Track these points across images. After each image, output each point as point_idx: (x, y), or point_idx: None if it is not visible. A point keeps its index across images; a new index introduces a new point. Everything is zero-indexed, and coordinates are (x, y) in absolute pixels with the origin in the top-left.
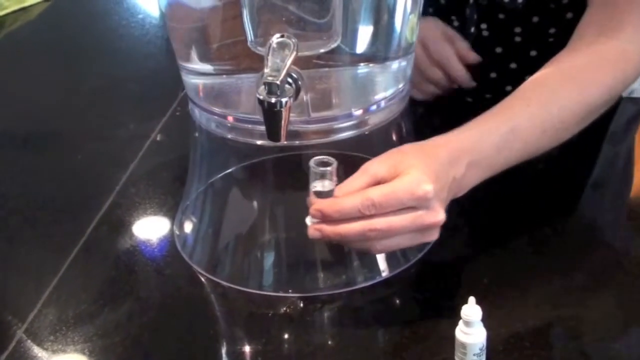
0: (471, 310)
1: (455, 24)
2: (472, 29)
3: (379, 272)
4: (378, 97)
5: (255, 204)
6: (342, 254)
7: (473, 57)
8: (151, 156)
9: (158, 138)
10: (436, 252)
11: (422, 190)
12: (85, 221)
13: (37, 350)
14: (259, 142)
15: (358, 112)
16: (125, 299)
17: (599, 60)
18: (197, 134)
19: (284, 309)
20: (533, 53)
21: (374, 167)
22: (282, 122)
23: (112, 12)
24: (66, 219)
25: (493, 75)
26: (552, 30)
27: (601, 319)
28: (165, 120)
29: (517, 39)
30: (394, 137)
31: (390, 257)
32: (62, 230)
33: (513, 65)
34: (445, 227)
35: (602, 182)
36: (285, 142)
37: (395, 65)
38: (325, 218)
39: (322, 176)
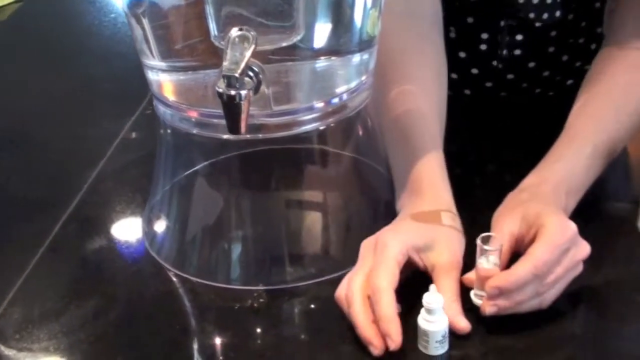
0: (432, 298)
1: (483, 47)
2: (505, 52)
3: (346, 263)
4: (340, 90)
5: (222, 199)
6: (309, 247)
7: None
8: (120, 154)
9: (127, 136)
10: None
11: (571, 231)
12: (52, 219)
13: (2, 349)
14: (224, 137)
15: (320, 105)
16: (92, 296)
17: None
18: (162, 131)
19: (252, 302)
20: (565, 58)
21: (507, 227)
22: (242, 114)
23: (84, 12)
24: (34, 217)
25: (524, 84)
26: (581, 40)
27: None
28: (134, 119)
29: (551, 49)
30: (359, 130)
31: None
32: (30, 229)
33: (546, 73)
34: None
35: None
36: (248, 136)
37: (357, 58)
38: (503, 292)
39: (489, 253)
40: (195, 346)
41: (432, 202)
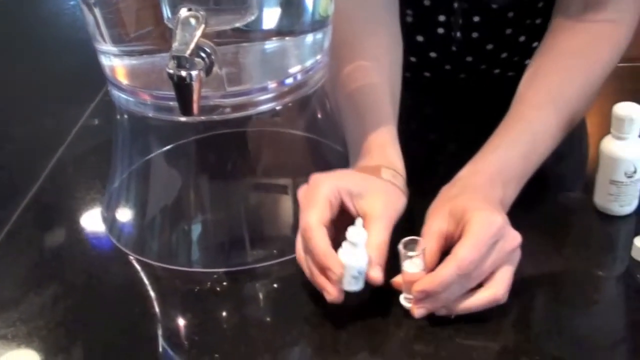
0: (355, 231)
1: (440, 30)
2: (459, 34)
3: None
4: (294, 70)
5: (180, 184)
6: (269, 228)
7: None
8: (80, 141)
9: (87, 123)
10: None
11: (496, 225)
12: (11, 207)
13: None
14: (179, 119)
15: (274, 85)
16: (51, 283)
17: (593, 39)
18: (118, 117)
19: (213, 284)
20: (522, 39)
21: (435, 226)
22: (194, 95)
23: (44, 0)
24: None
25: (483, 67)
26: (538, 21)
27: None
28: (94, 106)
29: (508, 30)
30: (317, 111)
31: None
32: None
33: (504, 55)
34: None
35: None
36: (202, 118)
37: (310, 38)
38: (430, 295)
39: (413, 257)
40: (157, 330)
41: (377, 160)
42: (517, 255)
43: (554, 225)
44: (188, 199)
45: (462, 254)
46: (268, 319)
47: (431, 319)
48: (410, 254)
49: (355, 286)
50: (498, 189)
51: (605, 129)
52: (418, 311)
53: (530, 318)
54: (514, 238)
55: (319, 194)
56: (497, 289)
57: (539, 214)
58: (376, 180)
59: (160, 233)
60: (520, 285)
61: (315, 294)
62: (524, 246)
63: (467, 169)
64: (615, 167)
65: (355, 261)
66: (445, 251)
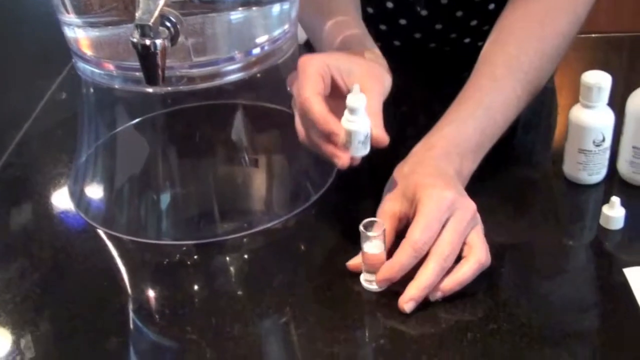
0: (355, 97)
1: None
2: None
3: (277, 214)
4: (261, 40)
5: (149, 156)
6: (239, 200)
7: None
8: (47, 115)
9: (54, 97)
10: (334, 191)
11: (446, 201)
12: None
13: None
14: (146, 90)
15: (241, 55)
16: (18, 258)
17: (550, 9)
18: (84, 90)
19: (183, 256)
20: (492, 7)
21: (388, 207)
22: (158, 64)
23: None
24: None
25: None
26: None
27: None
28: (61, 80)
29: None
30: (258, 89)
31: (289, 199)
32: None
33: (473, 23)
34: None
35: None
36: (169, 88)
37: (276, 8)
38: (392, 281)
39: (373, 238)
40: (126, 303)
41: (357, 47)
42: (478, 219)
43: (523, 195)
44: (156, 172)
45: (414, 236)
46: (238, 291)
47: (394, 291)
48: (370, 234)
49: (363, 150)
50: (454, 161)
51: (575, 100)
52: (407, 305)
53: (499, 286)
54: (468, 207)
55: (309, 69)
56: (477, 255)
57: (508, 184)
58: (362, 60)
59: (128, 206)
60: (489, 254)
61: (285, 265)
62: (493, 216)
63: (422, 143)
64: (584, 136)
65: (360, 126)
66: (402, 230)
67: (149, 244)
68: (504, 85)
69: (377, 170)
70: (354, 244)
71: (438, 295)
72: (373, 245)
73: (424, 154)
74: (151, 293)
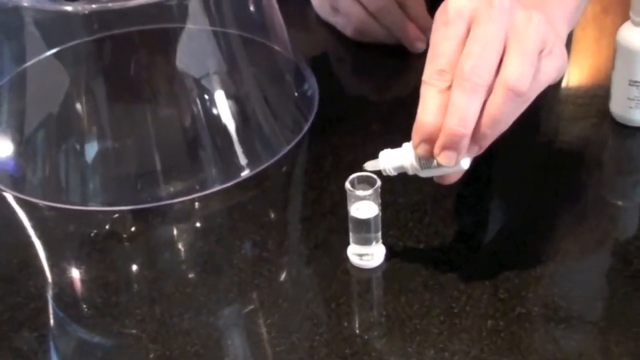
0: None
1: None
2: None
3: (238, 170)
4: None
5: (69, 98)
6: (189, 154)
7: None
8: None
9: None
10: (312, 140)
11: (541, 24)
12: None
13: None
14: (66, 9)
15: None
16: None
17: None
18: None
19: (114, 226)
20: None
21: (452, 30)
22: None
23: None
24: None
25: None
26: None
27: None
28: None
29: None
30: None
31: (253, 150)
32: None
33: None
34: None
35: None
36: (94, 6)
37: None
38: (484, 136)
39: (363, 199)
40: (42, 287)
41: None
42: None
43: (559, 142)
44: (80, 119)
45: (512, 70)
46: (189, 271)
47: (392, 268)
48: (360, 193)
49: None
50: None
51: (625, 18)
52: (443, 157)
53: (527, 259)
54: (561, 54)
55: None
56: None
57: (539, 127)
58: None
59: (44, 162)
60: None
61: (249, 236)
62: (519, 173)
63: None
64: (635, 62)
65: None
66: None
67: (72, 211)
68: None
69: (371, 113)
70: (339, 208)
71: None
72: (364, 209)
73: None
74: (75, 274)
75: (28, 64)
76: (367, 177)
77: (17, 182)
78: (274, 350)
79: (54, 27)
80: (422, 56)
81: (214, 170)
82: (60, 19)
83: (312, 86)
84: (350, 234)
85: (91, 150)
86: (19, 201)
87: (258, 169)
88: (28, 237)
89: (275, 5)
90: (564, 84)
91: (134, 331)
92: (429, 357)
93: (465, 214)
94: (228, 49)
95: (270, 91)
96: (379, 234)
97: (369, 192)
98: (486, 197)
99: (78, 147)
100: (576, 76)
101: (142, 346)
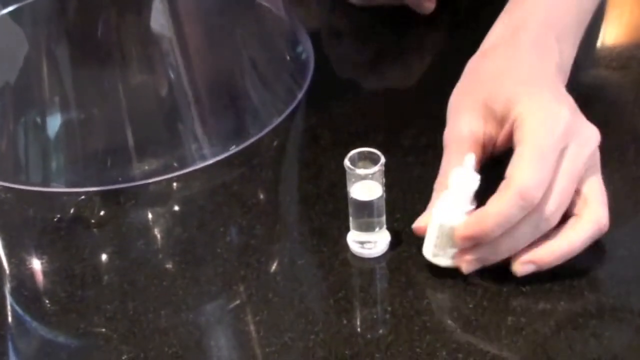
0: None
1: None
2: None
3: (221, 147)
4: None
5: (28, 62)
6: (166, 127)
7: None
8: None
9: None
10: (304, 112)
11: (563, 123)
12: None
13: None
14: None
15: None
16: None
17: None
18: None
19: (80, 210)
20: None
21: (465, 126)
22: None
23: None
24: None
25: None
26: None
27: None
28: None
29: None
30: None
31: (238, 124)
32: None
33: None
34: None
35: None
36: None
37: None
38: (480, 240)
39: (365, 178)
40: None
41: None
42: (597, 157)
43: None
44: (41, 86)
45: (522, 176)
46: (166, 261)
47: (398, 258)
48: (361, 172)
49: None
50: (553, 49)
51: None
52: (523, 267)
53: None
54: (589, 137)
55: None
56: (595, 212)
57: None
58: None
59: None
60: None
61: (233, 220)
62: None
63: (501, 23)
64: None
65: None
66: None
67: (32, 193)
68: None
69: (372, 79)
70: (337, 188)
71: (528, 268)
72: (366, 190)
73: (508, 40)
74: (36, 265)
75: None
76: (370, 153)
77: None
78: (264, 352)
79: None
80: (426, 22)
81: (194, 145)
82: None
83: (306, 49)
84: (350, 218)
85: (54, 123)
86: None
87: (245, 144)
88: None
89: None
90: (598, 44)
91: (103, 330)
92: (440, 359)
93: (482, 192)
94: (210, 6)
95: (259, 55)
96: (383, 219)
97: (372, 170)
98: None
99: (39, 119)
100: (612, 35)
101: (112, 347)
